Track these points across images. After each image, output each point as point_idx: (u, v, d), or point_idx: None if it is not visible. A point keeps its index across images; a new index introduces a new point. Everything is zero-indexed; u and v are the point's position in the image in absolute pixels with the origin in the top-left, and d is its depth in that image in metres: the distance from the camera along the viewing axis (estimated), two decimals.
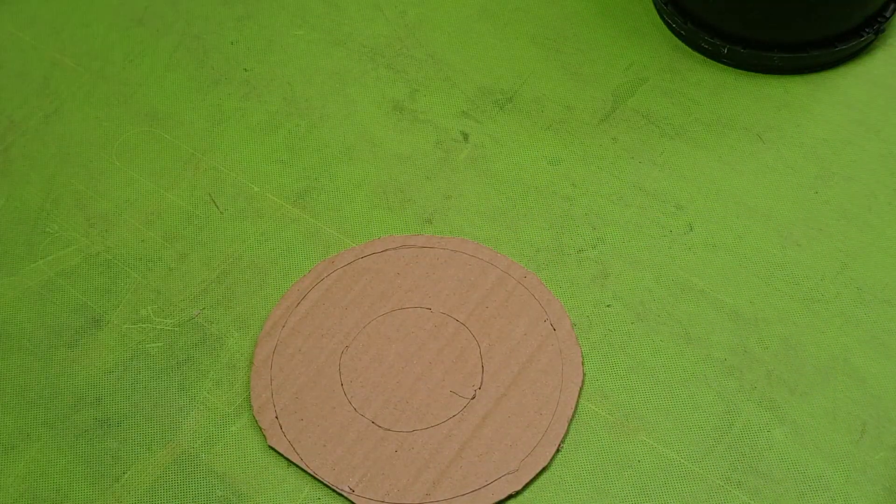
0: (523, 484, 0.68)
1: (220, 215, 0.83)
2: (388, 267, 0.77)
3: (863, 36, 0.88)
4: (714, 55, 0.90)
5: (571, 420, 0.70)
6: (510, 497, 0.67)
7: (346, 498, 0.67)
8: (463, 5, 0.96)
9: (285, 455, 0.69)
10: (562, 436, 0.70)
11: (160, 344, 0.76)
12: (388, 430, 0.69)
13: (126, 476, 0.70)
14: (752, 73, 0.89)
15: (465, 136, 0.87)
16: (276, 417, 0.70)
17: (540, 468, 0.68)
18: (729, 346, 0.74)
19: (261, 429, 0.70)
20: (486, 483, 0.67)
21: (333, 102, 0.90)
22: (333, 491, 0.68)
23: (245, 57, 0.93)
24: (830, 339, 0.74)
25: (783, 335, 0.74)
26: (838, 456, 0.69)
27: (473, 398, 0.71)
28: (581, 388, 0.72)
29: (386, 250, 0.78)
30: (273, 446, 0.69)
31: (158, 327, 0.77)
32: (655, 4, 0.94)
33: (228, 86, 0.91)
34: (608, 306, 0.76)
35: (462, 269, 0.77)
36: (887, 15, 0.89)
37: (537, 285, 0.76)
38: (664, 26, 0.93)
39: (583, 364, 0.73)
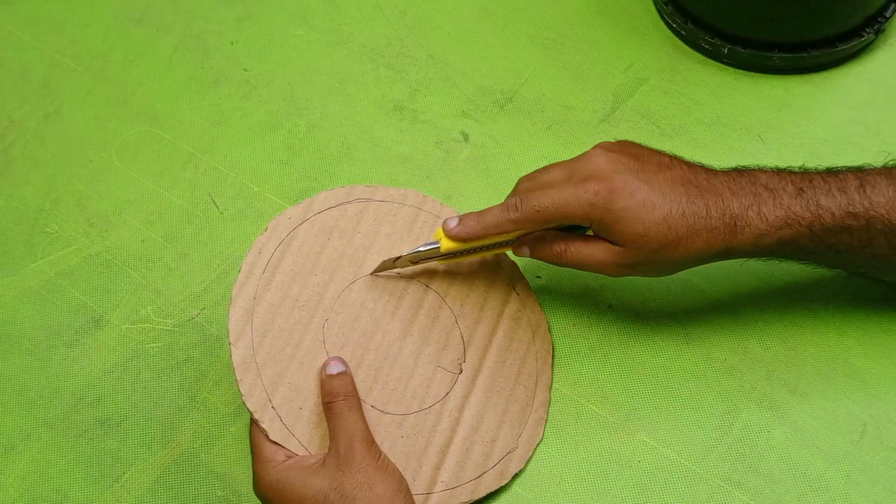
0: (524, 463, 0.68)
1: (220, 215, 0.83)
2: (348, 224, 0.73)
3: (863, 36, 0.88)
4: (714, 55, 0.90)
5: (551, 387, 0.72)
6: (514, 477, 0.68)
7: None
8: (463, 5, 0.96)
9: (287, 446, 0.66)
10: (547, 405, 0.71)
11: (160, 344, 0.76)
12: (386, 412, 0.68)
13: (126, 476, 0.70)
14: (753, 73, 0.89)
15: (465, 136, 0.87)
16: (273, 408, 0.66)
17: (535, 444, 0.69)
18: (729, 346, 0.74)
19: (257, 421, 0.66)
20: (491, 465, 0.67)
21: (333, 102, 0.90)
22: None
23: (245, 57, 0.93)
24: (830, 339, 0.74)
25: (783, 335, 0.74)
26: (838, 456, 0.69)
27: (461, 373, 0.71)
28: (553, 356, 0.73)
29: (341, 204, 0.74)
30: (289, 451, 0.66)
31: (158, 327, 0.77)
32: (655, 4, 0.94)
33: (228, 86, 0.91)
34: (608, 306, 0.76)
35: (418, 226, 0.75)
36: (887, 15, 0.89)
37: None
38: (664, 26, 0.93)
39: (550, 332, 0.74)
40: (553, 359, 0.73)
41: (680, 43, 0.92)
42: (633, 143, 0.69)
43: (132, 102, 0.90)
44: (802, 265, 0.77)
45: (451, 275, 0.74)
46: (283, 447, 0.64)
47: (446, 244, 0.68)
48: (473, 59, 0.92)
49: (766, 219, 0.65)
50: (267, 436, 0.64)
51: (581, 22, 0.94)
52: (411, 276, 0.73)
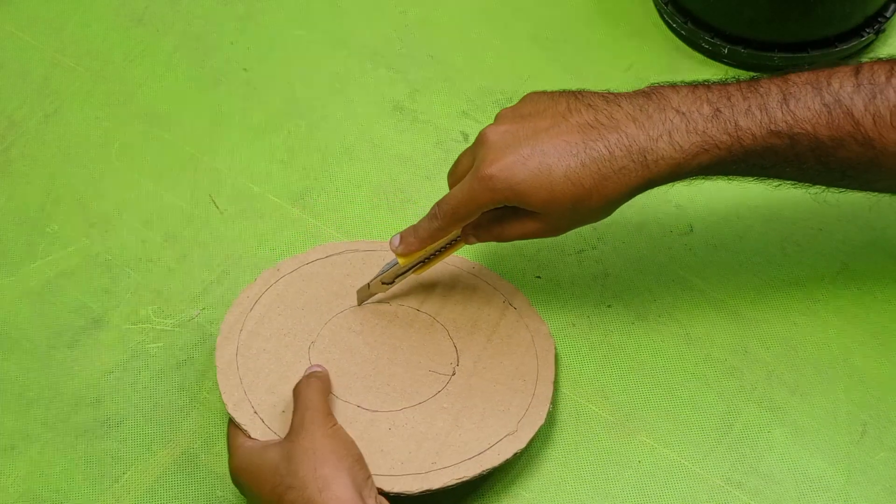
0: (525, 443, 0.68)
1: (220, 215, 0.83)
2: (335, 270, 0.76)
3: (863, 36, 0.88)
4: (714, 55, 0.90)
5: (555, 382, 0.71)
6: (514, 455, 0.68)
7: None
8: (463, 5, 0.96)
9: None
10: (550, 397, 0.70)
11: (160, 344, 0.76)
12: (377, 411, 0.69)
13: (126, 476, 0.70)
14: (751, 73, 0.89)
15: (465, 137, 0.87)
16: (255, 412, 0.68)
17: (537, 427, 0.69)
18: (729, 346, 0.74)
19: (239, 425, 0.67)
20: (489, 446, 0.67)
21: (334, 103, 0.90)
22: None
23: (245, 57, 0.93)
24: (830, 339, 0.74)
25: (783, 335, 0.74)
26: (838, 456, 0.69)
27: (454, 375, 0.71)
28: (556, 356, 0.72)
29: (329, 256, 0.77)
30: (258, 439, 0.67)
31: (158, 327, 0.77)
32: (655, 4, 0.94)
33: (228, 86, 0.91)
34: (608, 306, 0.76)
35: None
36: (887, 15, 0.89)
37: (488, 274, 0.76)
38: (664, 26, 0.93)
39: (551, 334, 0.73)
40: (556, 357, 0.73)
41: (680, 43, 0.92)
42: (530, 98, 0.67)
43: (132, 103, 0.90)
44: (803, 268, 0.78)
45: (442, 297, 0.74)
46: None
47: (401, 260, 0.70)
48: (473, 59, 0.92)
49: (681, 147, 0.62)
50: (248, 435, 0.66)
51: (581, 22, 0.94)
52: (401, 304, 0.74)
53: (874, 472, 0.68)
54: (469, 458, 0.67)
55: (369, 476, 0.63)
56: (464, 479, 0.66)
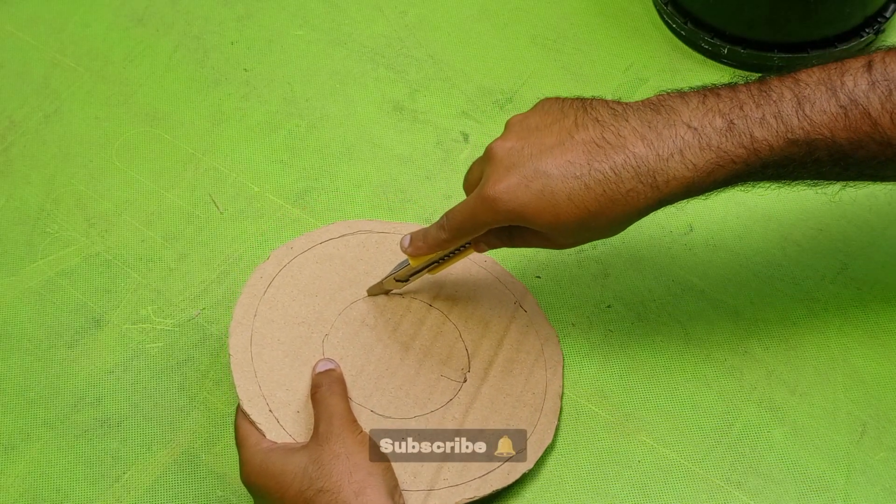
0: (533, 464, 0.68)
1: (220, 215, 0.83)
2: (349, 253, 0.75)
3: (863, 36, 0.88)
4: (714, 55, 0.90)
5: (562, 396, 0.71)
6: (522, 475, 0.68)
7: None
8: (463, 5, 0.96)
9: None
10: (558, 412, 0.70)
11: (160, 344, 0.76)
12: (390, 418, 0.69)
13: (126, 476, 0.70)
14: (753, 74, 0.89)
15: (465, 137, 0.87)
16: (271, 411, 0.68)
17: (545, 446, 0.69)
18: (729, 346, 0.74)
19: (254, 423, 0.67)
20: (498, 464, 0.67)
21: (333, 103, 0.90)
22: None
23: (245, 57, 0.93)
24: (830, 339, 0.74)
25: (783, 335, 0.74)
26: (838, 456, 0.69)
27: (465, 382, 0.71)
28: (563, 366, 0.72)
29: (343, 235, 0.76)
30: (275, 441, 0.67)
31: (158, 327, 0.77)
32: (655, 4, 0.94)
33: (228, 86, 0.91)
34: (608, 306, 0.76)
35: None
36: (887, 15, 0.89)
37: (500, 271, 0.76)
38: (664, 26, 0.93)
39: (560, 343, 0.73)
40: (563, 369, 0.73)
41: (680, 43, 0.92)
42: (541, 108, 0.65)
43: (132, 102, 0.90)
44: (803, 268, 0.78)
45: (454, 295, 0.74)
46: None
47: (412, 260, 0.69)
48: (473, 59, 0.92)
49: (694, 165, 0.59)
50: (263, 434, 0.65)
51: (581, 22, 0.94)
52: (413, 297, 0.74)
53: (874, 472, 0.68)
54: (479, 477, 0.67)
55: (398, 484, 0.63)
56: (474, 499, 0.66)
